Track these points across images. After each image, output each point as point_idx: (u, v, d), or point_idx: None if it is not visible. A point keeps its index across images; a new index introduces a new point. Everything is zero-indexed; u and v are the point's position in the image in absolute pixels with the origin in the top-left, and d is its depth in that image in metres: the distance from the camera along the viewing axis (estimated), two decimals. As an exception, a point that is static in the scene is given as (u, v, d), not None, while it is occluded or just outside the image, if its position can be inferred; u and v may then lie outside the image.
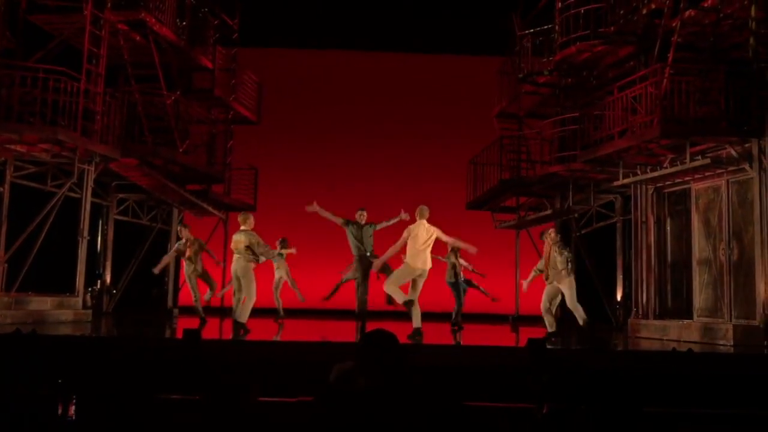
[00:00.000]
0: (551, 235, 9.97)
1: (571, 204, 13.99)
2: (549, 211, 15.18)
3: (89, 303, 13.38)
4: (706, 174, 10.96)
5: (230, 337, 9.46)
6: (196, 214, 15.64)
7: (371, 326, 8.17)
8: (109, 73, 12.36)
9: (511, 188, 15.31)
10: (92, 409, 4.39)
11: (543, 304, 9.87)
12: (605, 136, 11.65)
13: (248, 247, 9.61)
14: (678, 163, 10.86)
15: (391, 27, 17.83)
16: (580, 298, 9.79)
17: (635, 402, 5.14)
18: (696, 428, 5.79)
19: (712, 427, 5.83)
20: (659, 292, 11.84)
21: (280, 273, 12.40)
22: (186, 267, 11.97)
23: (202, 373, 6.25)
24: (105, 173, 13.16)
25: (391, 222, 10.30)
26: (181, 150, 13.23)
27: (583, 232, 15.68)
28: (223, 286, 13.17)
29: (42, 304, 11.26)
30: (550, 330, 9.81)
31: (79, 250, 11.87)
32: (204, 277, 11.95)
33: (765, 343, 9.52)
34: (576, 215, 15.44)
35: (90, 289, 14.28)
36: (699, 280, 11.19)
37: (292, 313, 13.34)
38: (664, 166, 11.32)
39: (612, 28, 12.02)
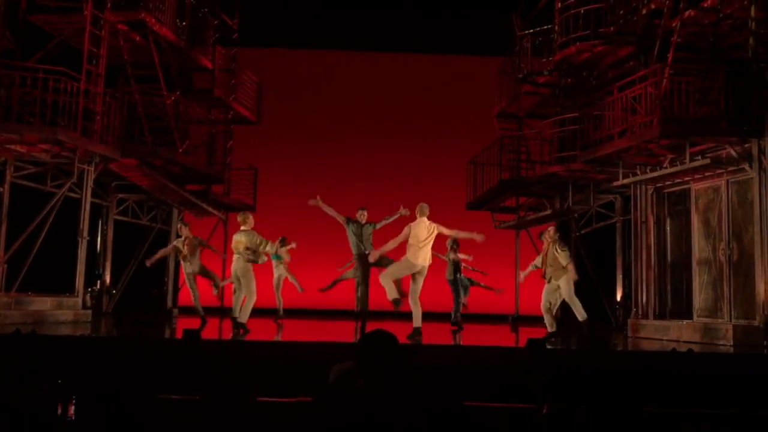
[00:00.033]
0: (550, 232, 9.96)
1: (570, 204, 13.99)
2: (549, 211, 15.17)
3: (89, 303, 13.38)
4: (706, 174, 10.96)
5: (230, 337, 9.47)
6: (195, 215, 15.63)
7: (371, 326, 8.19)
8: (109, 73, 12.35)
9: (510, 188, 15.31)
10: (92, 409, 4.39)
11: (543, 304, 9.86)
12: (605, 137, 11.65)
13: (248, 248, 9.62)
14: (678, 163, 10.85)
15: (391, 27, 17.84)
16: (581, 298, 9.78)
17: (635, 402, 5.14)
18: (696, 428, 5.79)
19: (712, 427, 5.82)
20: (659, 292, 11.84)
21: (279, 271, 12.43)
22: (185, 267, 11.96)
23: (202, 373, 6.25)
24: (105, 173, 13.16)
25: (392, 218, 10.31)
26: (180, 150, 13.23)
27: (582, 232, 15.68)
28: (224, 278, 13.13)
29: (42, 304, 11.26)
30: (550, 330, 9.80)
31: (79, 251, 11.88)
32: (203, 272, 11.92)
33: (765, 343, 9.52)
34: (576, 215, 15.44)
35: (90, 289, 14.28)
36: (699, 280, 11.18)
37: (292, 313, 13.34)
38: (664, 166, 11.32)
39: (612, 29, 12.02)
